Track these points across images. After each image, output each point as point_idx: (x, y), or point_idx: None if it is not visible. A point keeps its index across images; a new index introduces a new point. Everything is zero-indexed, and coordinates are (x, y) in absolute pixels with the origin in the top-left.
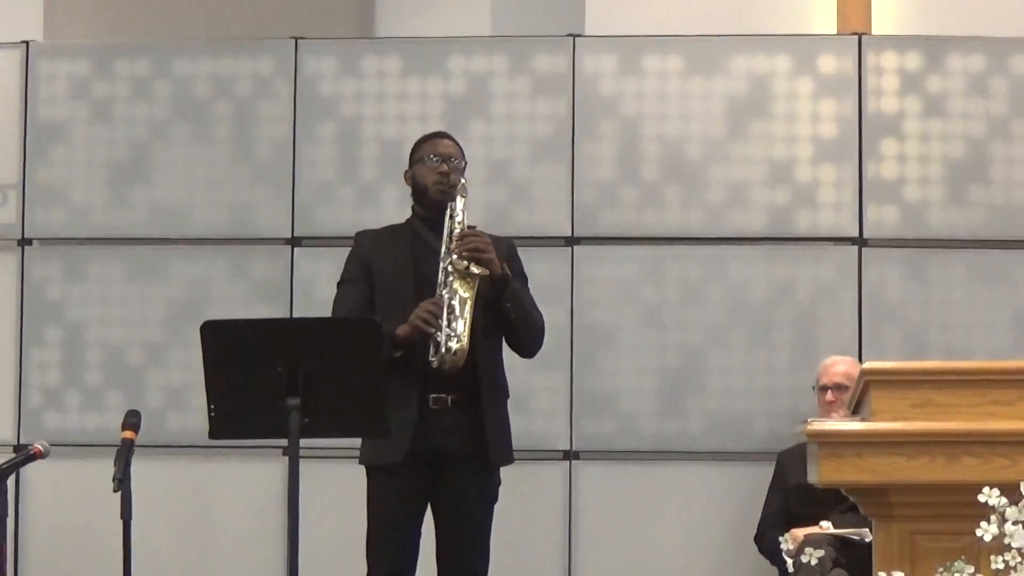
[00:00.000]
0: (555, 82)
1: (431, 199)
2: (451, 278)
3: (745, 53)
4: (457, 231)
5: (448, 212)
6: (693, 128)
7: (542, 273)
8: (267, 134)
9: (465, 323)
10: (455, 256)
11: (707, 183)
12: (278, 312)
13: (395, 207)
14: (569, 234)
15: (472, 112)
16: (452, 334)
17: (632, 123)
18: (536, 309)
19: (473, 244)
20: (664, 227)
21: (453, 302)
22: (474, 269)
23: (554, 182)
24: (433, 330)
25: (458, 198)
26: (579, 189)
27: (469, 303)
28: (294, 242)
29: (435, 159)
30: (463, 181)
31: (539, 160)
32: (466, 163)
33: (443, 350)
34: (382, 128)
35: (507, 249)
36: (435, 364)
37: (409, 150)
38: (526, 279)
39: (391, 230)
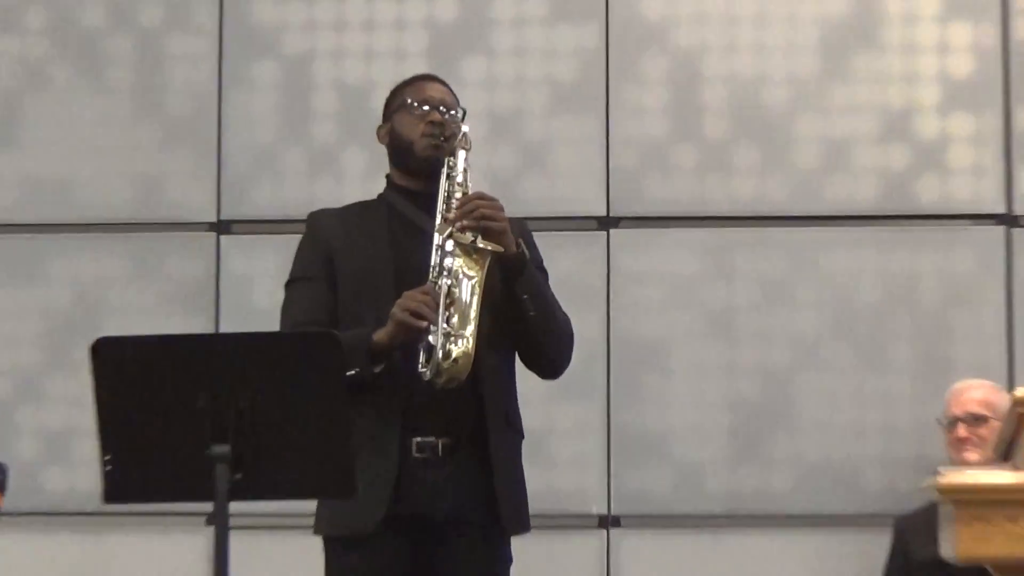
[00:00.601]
0: (582, 1)
1: (418, 158)
2: (450, 259)
3: None
4: (459, 195)
5: (444, 172)
6: (774, 64)
7: (566, 267)
8: (183, 79)
9: (471, 318)
10: (456, 227)
11: (794, 141)
12: (200, 324)
13: (361, 178)
14: (603, 213)
15: (467, 46)
16: (452, 333)
17: (689, 58)
18: (561, 309)
19: (481, 210)
20: (734, 202)
21: (454, 290)
22: (482, 244)
23: (581, 141)
24: (424, 325)
25: (458, 151)
26: (616, 151)
27: (477, 291)
28: (221, 228)
29: (422, 105)
30: (464, 130)
31: (560, 111)
32: (464, 113)
33: (439, 356)
34: (342, 69)
35: (518, 233)
36: (427, 376)
37: (382, 100)
38: (545, 275)
39: (359, 208)
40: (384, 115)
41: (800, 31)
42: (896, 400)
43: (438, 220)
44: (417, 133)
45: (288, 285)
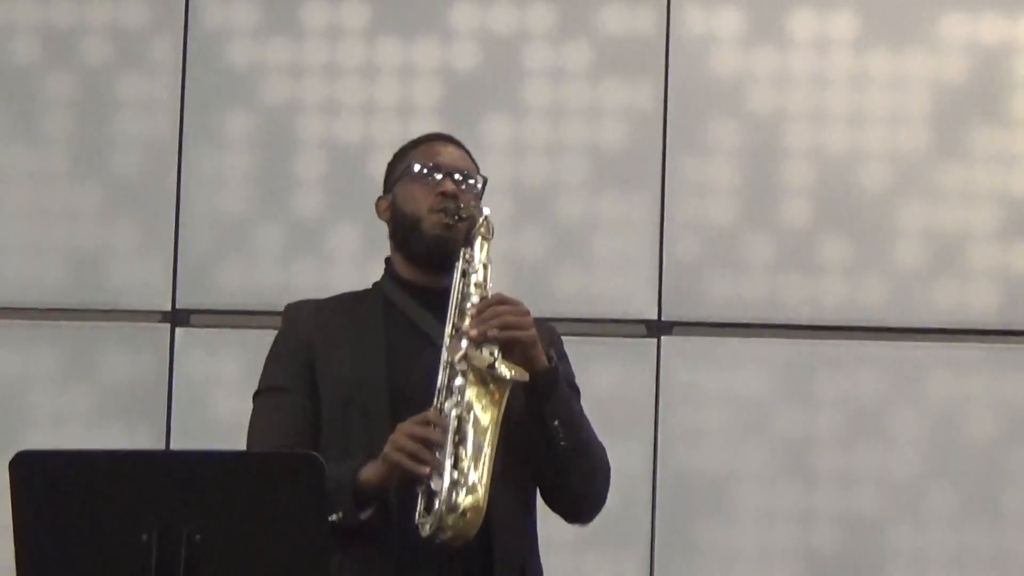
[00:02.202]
0: (635, 51)
1: (426, 238)
2: (460, 380)
3: (964, 11)
4: (475, 298)
5: (458, 266)
6: (872, 137)
7: (605, 383)
8: (135, 131)
9: (483, 463)
10: (469, 338)
11: (896, 231)
12: (147, 437)
13: (352, 262)
14: (654, 316)
15: (490, 101)
16: (459, 480)
17: (766, 126)
18: (596, 437)
19: (503, 318)
20: (817, 308)
21: (465, 424)
22: (504, 370)
23: (629, 225)
24: (425, 470)
25: (477, 240)
26: (672, 238)
27: (491, 430)
28: (177, 318)
29: (433, 172)
30: (485, 213)
31: (604, 187)
32: (484, 182)
33: (441, 507)
34: (333, 124)
35: (547, 343)
36: (427, 531)
37: (382, 165)
38: (578, 393)
39: (350, 301)
40: (385, 184)
41: (907, 97)
42: (1012, 560)
43: (448, 328)
44: (425, 207)
45: (257, 396)
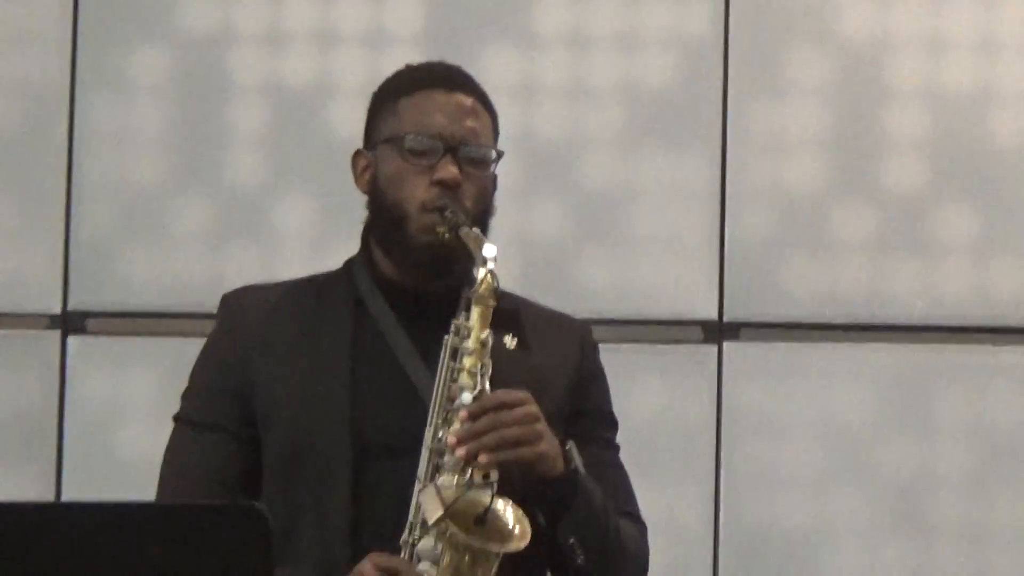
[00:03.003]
0: None
1: (412, 246)
2: (433, 543)
3: None
4: (467, 394)
5: (447, 340)
6: (1005, 71)
7: (653, 406)
8: (10, 73)
9: None
10: (454, 452)
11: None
12: (32, 477)
13: (304, 246)
14: (714, 316)
15: (489, 26)
16: None
17: (861, 56)
18: (632, 519)
19: (503, 433)
20: (935, 304)
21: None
22: (498, 526)
23: (679, 194)
24: None
25: (474, 309)
26: (737, 211)
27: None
28: (68, 323)
29: (430, 148)
30: (489, 267)
31: (645, 142)
32: (499, 156)
33: None
34: (275, 60)
35: (574, 360)
36: None
37: (343, 114)
38: (614, 426)
39: (310, 294)
40: (366, 135)
41: None
42: None
43: (428, 435)
44: (415, 200)
45: (176, 421)
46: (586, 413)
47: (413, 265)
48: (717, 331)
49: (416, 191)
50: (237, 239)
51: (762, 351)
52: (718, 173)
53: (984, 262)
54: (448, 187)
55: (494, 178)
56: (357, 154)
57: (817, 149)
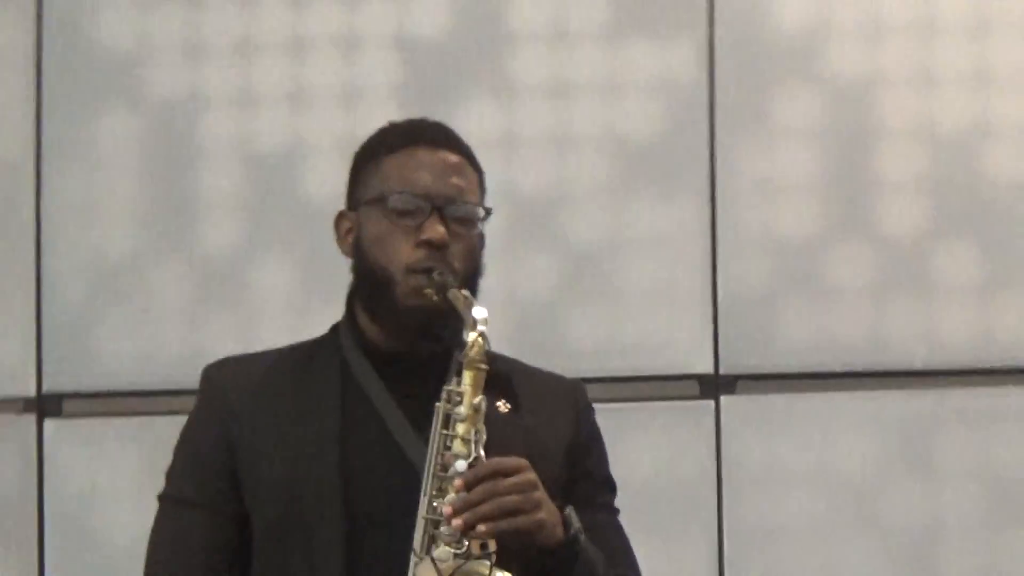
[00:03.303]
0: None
1: (399, 310)
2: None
3: None
4: (461, 463)
5: (439, 408)
6: (1000, 103)
7: (650, 463)
8: None
9: None
10: (450, 522)
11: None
12: (14, 566)
13: (285, 310)
14: (710, 369)
15: (467, 77)
16: None
17: (852, 93)
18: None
19: (500, 501)
20: (936, 347)
21: None
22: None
23: (669, 244)
24: None
25: (466, 374)
26: (729, 258)
27: None
28: (44, 406)
29: (414, 208)
30: (480, 329)
31: (631, 191)
32: (487, 214)
33: None
34: (247, 121)
35: (569, 423)
36: None
37: (321, 173)
38: (613, 488)
39: (295, 363)
40: (348, 196)
41: None
42: None
43: (422, 506)
44: (400, 263)
45: (161, 501)
46: (584, 478)
47: (400, 329)
48: (714, 385)
49: (401, 253)
50: (215, 309)
51: (760, 403)
52: (708, 221)
53: (986, 302)
54: (435, 247)
55: (482, 236)
56: (340, 216)
57: (809, 192)
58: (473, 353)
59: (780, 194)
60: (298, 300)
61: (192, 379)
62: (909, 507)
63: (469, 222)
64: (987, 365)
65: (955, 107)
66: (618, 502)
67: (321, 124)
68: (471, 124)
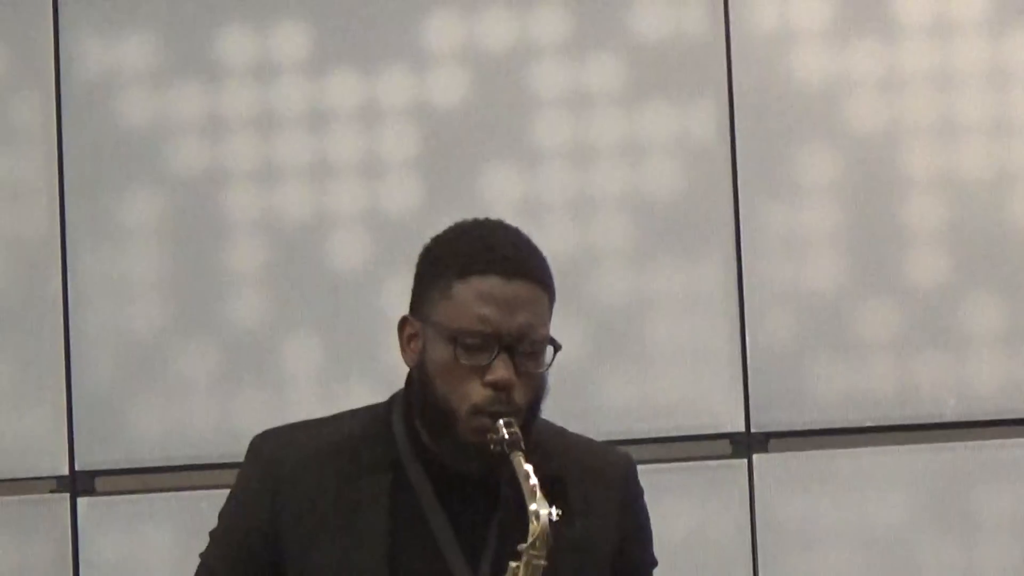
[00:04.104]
0: (684, 60)
1: (457, 448)
2: None
3: None
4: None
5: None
6: (1021, 151)
7: (683, 524)
8: (8, 232)
9: None
10: None
11: None
12: None
13: (315, 385)
14: (742, 427)
15: (487, 144)
16: None
17: (872, 146)
18: None
19: None
20: (967, 398)
21: None
22: None
23: (696, 302)
24: None
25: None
26: (757, 315)
27: None
28: (77, 484)
29: (485, 346)
30: (543, 515)
31: (656, 251)
32: (556, 351)
33: None
34: (270, 195)
35: (618, 520)
36: None
37: (344, 245)
38: (655, 565)
39: (348, 455)
40: (413, 301)
41: None
42: None
43: None
44: (467, 400)
45: (200, 567)
46: (632, 570)
47: (457, 458)
48: (746, 443)
49: (467, 391)
50: (243, 383)
51: (793, 460)
52: (735, 278)
53: (1014, 351)
54: (501, 389)
55: (543, 386)
56: (404, 321)
57: (834, 246)
58: (533, 548)
59: (805, 249)
60: (325, 371)
61: (223, 453)
62: (946, 561)
63: (537, 359)
64: (1018, 415)
65: (976, 157)
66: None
67: (344, 196)
68: (493, 191)
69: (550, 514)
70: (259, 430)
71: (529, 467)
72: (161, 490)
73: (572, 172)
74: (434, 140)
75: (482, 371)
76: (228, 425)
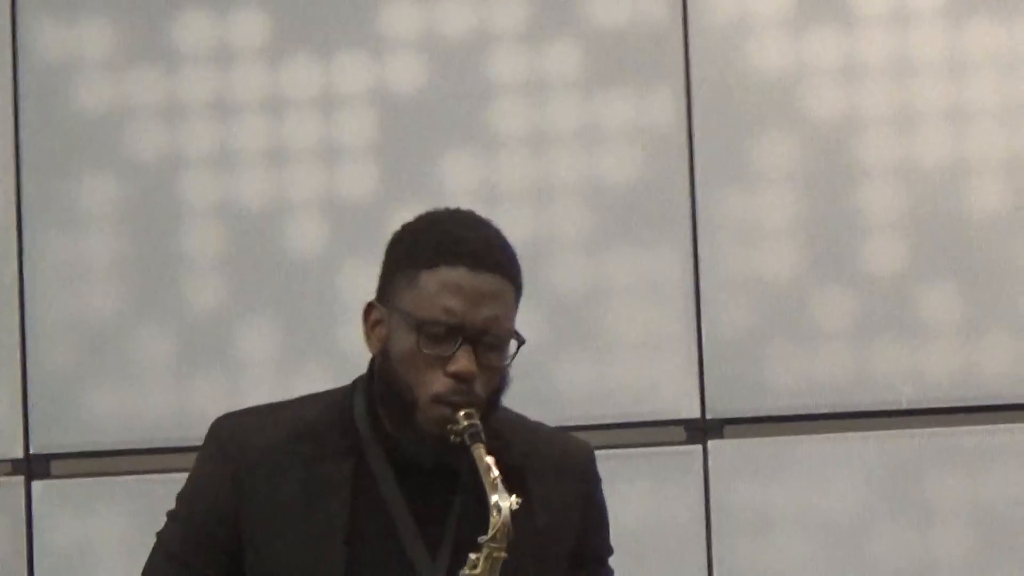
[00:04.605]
0: (641, 49)
1: (418, 437)
2: None
3: None
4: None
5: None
6: (979, 140)
7: (637, 511)
8: None
9: None
10: None
11: (1022, 270)
12: None
13: (271, 370)
14: (697, 414)
15: (445, 131)
16: None
17: (830, 135)
18: None
19: None
20: (923, 386)
21: None
22: None
23: (652, 290)
24: None
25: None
26: (713, 304)
27: None
28: (32, 468)
29: (450, 336)
30: (503, 517)
31: (613, 239)
32: (519, 344)
33: None
34: (227, 181)
35: (578, 513)
36: None
37: (302, 230)
38: (611, 553)
39: (311, 434)
40: (380, 287)
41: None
42: None
43: None
44: (428, 390)
45: (157, 545)
46: (591, 560)
47: (416, 447)
48: (701, 430)
49: (429, 381)
50: (199, 367)
51: (748, 447)
52: (691, 266)
53: (971, 339)
54: (462, 380)
55: (504, 379)
56: (369, 307)
57: (791, 234)
58: (494, 541)
59: (762, 237)
60: (281, 356)
61: (179, 438)
62: (899, 547)
63: (500, 352)
64: (973, 402)
65: (934, 145)
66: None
67: (301, 181)
68: (450, 177)
69: (511, 505)
70: (215, 414)
71: (490, 459)
72: (117, 473)
73: (530, 159)
74: (392, 127)
75: (444, 361)
76: (184, 409)
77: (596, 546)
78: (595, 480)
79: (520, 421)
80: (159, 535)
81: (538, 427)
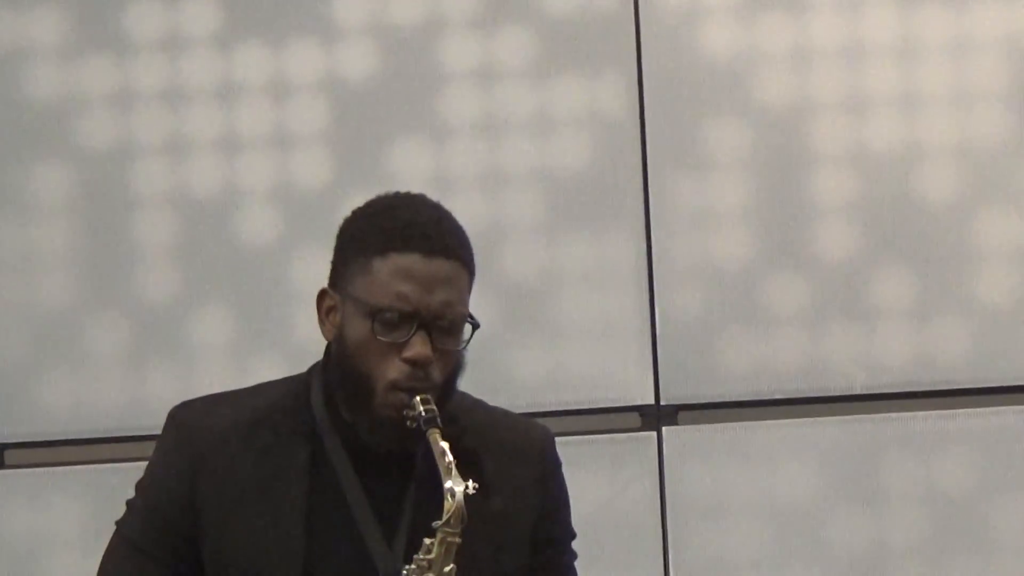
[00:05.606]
0: (592, 36)
1: (374, 426)
2: None
3: None
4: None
5: (413, 562)
6: (931, 125)
7: (592, 498)
8: None
9: None
10: None
11: (974, 255)
12: None
13: (225, 359)
14: (651, 400)
15: (396, 118)
16: None
17: (782, 120)
18: None
19: None
20: (876, 371)
21: None
22: None
23: (605, 276)
24: None
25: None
26: (666, 289)
27: None
28: None
29: (404, 322)
30: (457, 500)
31: (565, 225)
32: (474, 330)
33: None
34: (179, 169)
35: (537, 496)
36: None
37: (254, 219)
38: (574, 537)
39: (266, 420)
40: (332, 273)
41: (976, 68)
42: None
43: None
44: (384, 377)
45: (117, 533)
46: (551, 543)
47: (373, 433)
48: (655, 416)
49: (384, 367)
50: (153, 357)
51: (702, 433)
52: (644, 253)
53: (924, 324)
54: (418, 366)
55: (460, 364)
56: (323, 293)
57: (744, 221)
58: (448, 526)
59: (714, 223)
60: (235, 345)
61: (133, 427)
62: (854, 532)
63: (455, 336)
64: (926, 387)
65: (886, 130)
66: None
67: (253, 169)
68: (402, 164)
69: (466, 489)
70: (170, 403)
71: (445, 444)
72: (71, 463)
73: (482, 146)
74: (344, 114)
75: (400, 347)
76: (139, 398)
77: (557, 529)
78: (554, 464)
79: (478, 406)
80: (118, 524)
81: (496, 412)
